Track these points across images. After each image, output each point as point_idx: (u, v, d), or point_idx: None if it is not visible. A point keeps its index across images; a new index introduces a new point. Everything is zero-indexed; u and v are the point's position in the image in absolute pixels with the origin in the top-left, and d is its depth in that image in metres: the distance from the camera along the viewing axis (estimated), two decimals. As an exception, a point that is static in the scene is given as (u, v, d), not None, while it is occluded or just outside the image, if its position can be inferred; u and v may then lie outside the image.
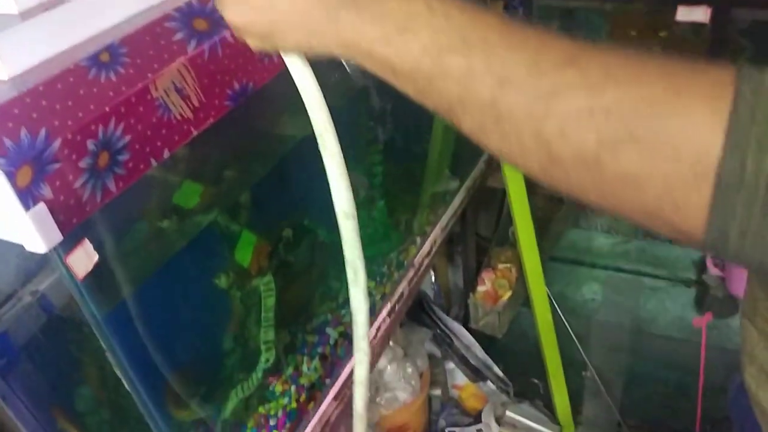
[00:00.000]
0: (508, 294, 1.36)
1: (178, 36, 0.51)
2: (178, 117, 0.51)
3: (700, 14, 0.99)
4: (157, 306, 0.57)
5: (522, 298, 1.43)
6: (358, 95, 0.89)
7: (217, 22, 0.54)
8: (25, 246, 0.42)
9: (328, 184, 0.90)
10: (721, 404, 0.72)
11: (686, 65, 0.32)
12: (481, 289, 1.37)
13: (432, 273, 1.59)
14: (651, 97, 0.31)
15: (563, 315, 1.54)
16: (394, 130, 0.99)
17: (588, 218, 1.86)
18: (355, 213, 0.49)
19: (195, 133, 0.53)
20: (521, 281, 1.39)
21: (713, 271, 1.64)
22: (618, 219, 1.84)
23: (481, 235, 1.62)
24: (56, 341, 0.63)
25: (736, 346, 0.59)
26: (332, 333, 0.85)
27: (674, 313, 1.69)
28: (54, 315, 0.61)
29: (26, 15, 0.46)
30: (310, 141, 0.77)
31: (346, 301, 0.88)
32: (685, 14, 0.98)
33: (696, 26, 1.04)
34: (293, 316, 0.80)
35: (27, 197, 0.40)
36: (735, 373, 0.61)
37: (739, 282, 1.59)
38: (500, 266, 1.40)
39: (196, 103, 0.52)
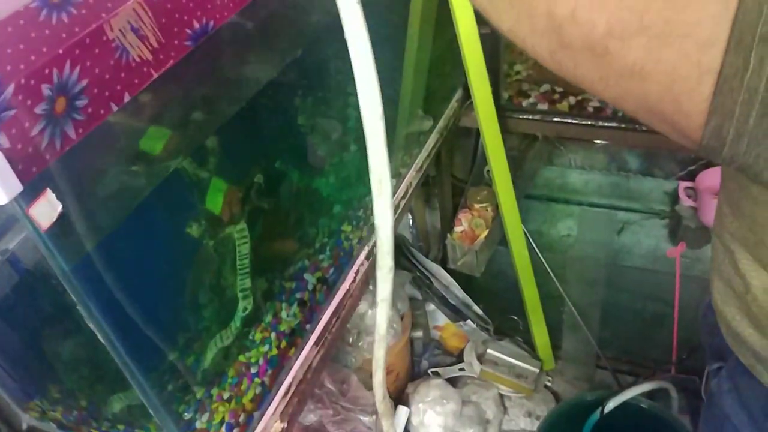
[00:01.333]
0: (485, 233, 1.38)
1: (131, -28, 0.49)
2: (137, 59, 0.49)
3: None
4: (128, 256, 0.56)
5: (499, 236, 1.45)
6: (327, 41, 0.87)
7: (171, -44, 0.52)
8: (-17, 198, 0.41)
9: (299, 126, 0.89)
10: (696, 332, 0.75)
11: None
12: (458, 229, 1.39)
13: (409, 216, 1.60)
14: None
15: (540, 252, 1.57)
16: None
17: (561, 155, 1.88)
18: (383, 115, 0.49)
19: (155, 75, 0.51)
20: (498, 220, 1.41)
21: (686, 202, 1.67)
22: (590, 154, 1.86)
23: (456, 176, 1.62)
24: (29, 300, 0.63)
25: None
26: (310, 279, 0.86)
27: (648, 244, 1.73)
28: (25, 273, 0.61)
29: (-35, -47, 0.44)
30: (277, 83, 0.76)
31: (323, 246, 0.89)
32: None
33: None
34: (270, 263, 0.81)
35: (-18, 147, 0.39)
36: (706, 295, 0.63)
37: (711, 212, 1.63)
38: (476, 206, 1.41)
39: (155, 44, 0.51)
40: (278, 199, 0.83)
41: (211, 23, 0.56)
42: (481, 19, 1.02)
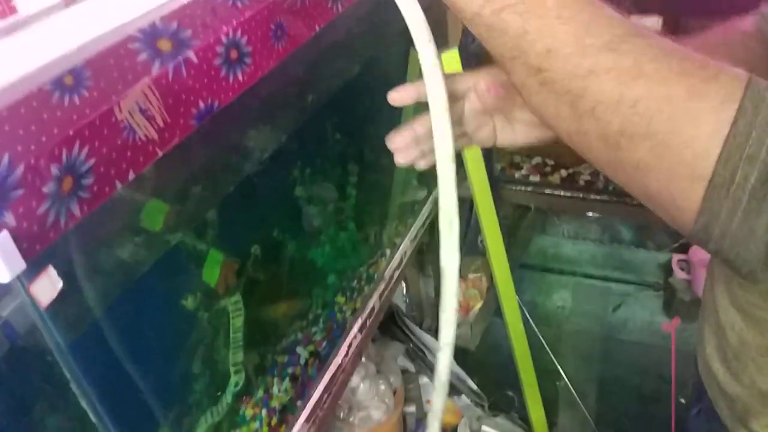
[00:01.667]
0: (480, 304, 1.38)
1: (142, 57, 0.51)
2: (143, 138, 0.51)
3: (653, 22, 1.04)
4: (123, 332, 0.56)
5: (493, 308, 1.45)
6: (328, 107, 0.90)
7: (180, 42, 0.55)
8: (-13, 275, 0.42)
9: (296, 199, 0.90)
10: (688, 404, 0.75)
11: (704, 67, 0.37)
12: (452, 300, 1.39)
13: (403, 284, 1.60)
14: (671, 98, 0.36)
15: (535, 324, 1.57)
16: (362, 142, 1.00)
17: (555, 225, 1.91)
18: (454, 157, 0.51)
19: (160, 153, 0.53)
20: (492, 291, 1.41)
21: (679, 274, 1.69)
22: (583, 225, 1.89)
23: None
24: (19, 369, 0.63)
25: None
26: (302, 352, 0.86)
27: (643, 317, 1.74)
28: (18, 342, 0.61)
29: (-16, 38, 0.46)
30: (277, 157, 0.79)
31: (317, 318, 0.89)
32: (637, 22, 1.02)
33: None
34: (263, 335, 0.81)
35: (-10, 226, 0.40)
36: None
37: (706, 285, 1.64)
38: (471, 276, 1.42)
39: (161, 124, 0.53)
40: (274, 269, 0.83)
41: (216, 103, 0.58)
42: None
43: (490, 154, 1.30)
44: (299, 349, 0.86)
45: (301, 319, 0.87)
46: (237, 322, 0.75)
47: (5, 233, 0.40)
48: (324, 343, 0.90)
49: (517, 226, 1.70)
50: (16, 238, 0.41)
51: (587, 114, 0.39)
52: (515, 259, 1.58)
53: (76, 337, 0.49)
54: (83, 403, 0.51)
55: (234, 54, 0.60)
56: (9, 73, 0.47)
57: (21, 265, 0.42)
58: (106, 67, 0.49)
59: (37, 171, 0.42)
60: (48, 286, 0.45)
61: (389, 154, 1.12)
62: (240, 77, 0.61)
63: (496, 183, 1.34)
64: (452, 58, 1.04)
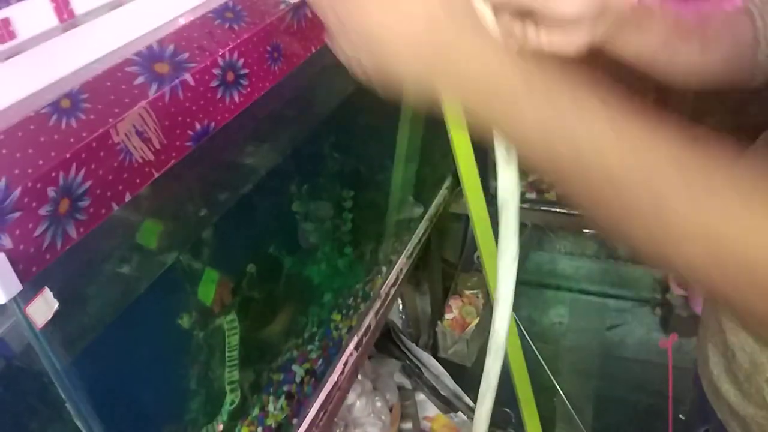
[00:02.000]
0: (476, 321, 1.38)
1: (139, 80, 0.52)
2: (140, 160, 0.52)
3: None
4: (119, 352, 0.57)
5: (490, 324, 1.45)
6: (324, 126, 0.91)
7: (177, 64, 0.55)
8: (-16, 297, 0.42)
9: (292, 217, 0.91)
10: (693, 425, 0.75)
11: None
12: (448, 316, 1.40)
13: (399, 301, 1.61)
14: (746, 234, 0.33)
15: (532, 340, 1.57)
16: (358, 159, 1.01)
17: (551, 241, 1.91)
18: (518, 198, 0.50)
19: (156, 175, 0.54)
20: (489, 307, 1.42)
21: (676, 290, 1.69)
22: (579, 241, 1.90)
23: (447, 260, 1.64)
24: (13, 387, 0.63)
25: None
26: (298, 370, 0.86)
27: (640, 334, 1.74)
28: (12, 361, 0.61)
29: (-16, 62, 0.47)
30: (272, 175, 0.79)
31: (312, 336, 0.90)
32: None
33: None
34: (258, 353, 0.81)
35: (-13, 248, 0.40)
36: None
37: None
38: (467, 292, 1.43)
39: (158, 146, 0.53)
40: (269, 287, 0.84)
41: (212, 125, 0.59)
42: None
43: (486, 171, 1.31)
44: (295, 367, 0.86)
45: (297, 337, 0.87)
46: (233, 340, 0.75)
47: (2, 255, 0.41)
48: (320, 361, 0.90)
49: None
50: (13, 260, 0.42)
51: (662, 243, 0.35)
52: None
53: (72, 356, 0.49)
54: (78, 423, 0.51)
55: (230, 76, 0.61)
56: (7, 97, 0.47)
57: (17, 286, 0.42)
58: (103, 90, 0.50)
59: (34, 193, 0.43)
60: (43, 307, 0.45)
61: (385, 172, 1.13)
62: (236, 99, 0.62)
63: (492, 200, 1.34)
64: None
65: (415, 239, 1.19)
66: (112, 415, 0.54)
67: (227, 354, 0.74)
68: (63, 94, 0.48)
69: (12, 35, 0.51)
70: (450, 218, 1.48)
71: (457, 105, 0.40)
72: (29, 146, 0.44)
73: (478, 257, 1.38)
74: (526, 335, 1.55)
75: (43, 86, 0.50)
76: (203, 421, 0.71)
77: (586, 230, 1.71)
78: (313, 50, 0.73)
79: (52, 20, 0.53)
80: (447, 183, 1.34)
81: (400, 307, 1.62)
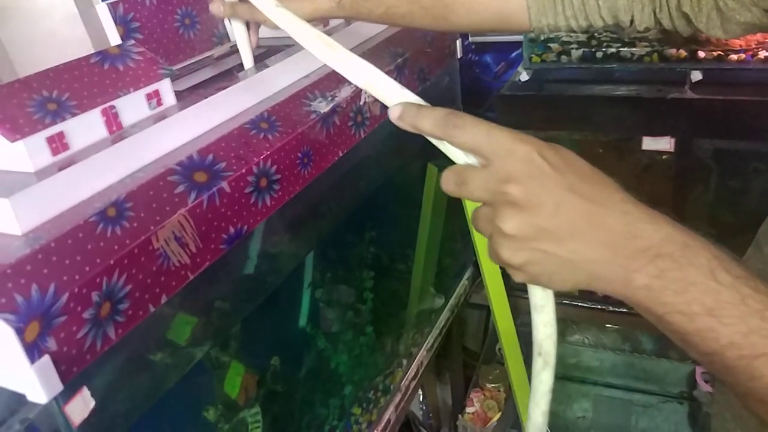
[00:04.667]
0: (498, 416, 1.36)
1: (180, 189, 0.56)
2: (177, 264, 0.55)
3: (665, 144, 1.08)
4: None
5: (512, 419, 1.43)
6: (348, 222, 0.94)
7: (215, 173, 0.60)
8: (26, 396, 0.45)
9: (315, 310, 0.93)
10: None
11: None
12: (469, 410, 1.38)
13: (420, 391, 1.59)
14: None
15: (554, 435, 1.53)
16: (380, 251, 1.04)
17: (574, 333, 1.89)
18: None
19: (191, 277, 0.57)
20: (510, 401, 1.40)
21: (704, 387, 1.65)
22: (603, 334, 1.87)
23: (469, 349, 1.63)
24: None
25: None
26: (318, 464, 0.86)
27: (668, 430, 1.68)
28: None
29: (41, 174, 0.52)
30: (298, 271, 0.82)
31: (333, 430, 0.90)
32: (650, 144, 1.07)
33: (662, 154, 1.13)
34: (279, 447, 0.81)
35: (33, 351, 0.43)
36: None
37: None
38: (488, 386, 1.41)
39: (194, 249, 0.57)
40: (292, 380, 0.85)
41: (245, 228, 0.63)
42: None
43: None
44: (314, 462, 0.86)
45: (318, 430, 0.88)
46: (255, 433, 0.76)
47: (46, 358, 0.44)
48: (339, 456, 0.90)
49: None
50: (56, 361, 0.44)
51: None
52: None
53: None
54: None
55: (263, 182, 0.65)
56: (59, 205, 0.51)
57: (59, 387, 0.45)
58: (146, 199, 0.54)
59: (80, 298, 0.46)
60: (81, 406, 0.48)
61: (407, 263, 1.15)
62: (268, 203, 0.66)
63: (513, 292, 1.35)
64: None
65: (435, 331, 1.20)
66: None
67: (249, 448, 0.75)
68: (110, 203, 0.52)
69: (65, 147, 0.55)
70: (471, 308, 1.49)
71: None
72: (77, 253, 0.48)
73: (500, 349, 1.38)
74: (549, 431, 1.51)
75: (92, 194, 0.54)
76: None
77: (609, 324, 1.69)
78: (340, 154, 0.77)
79: (102, 132, 0.58)
80: (468, 273, 1.36)
81: (421, 397, 1.60)
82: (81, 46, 0.93)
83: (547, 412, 0.51)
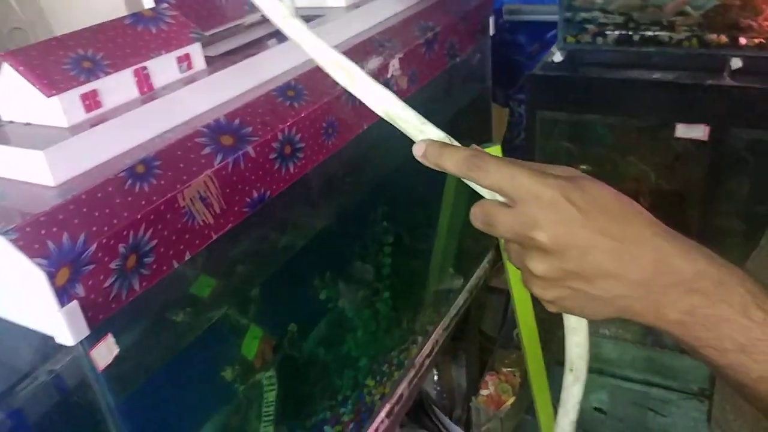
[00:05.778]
0: (512, 400, 1.38)
1: (207, 150, 0.59)
2: (201, 223, 0.58)
3: (699, 132, 1.08)
4: (166, 395, 0.62)
5: (526, 404, 1.45)
6: (370, 194, 0.96)
7: (241, 137, 0.62)
8: (55, 338, 0.48)
9: (334, 281, 0.96)
10: None
11: None
12: (483, 392, 1.40)
13: (435, 372, 1.62)
14: None
15: (569, 424, 1.55)
16: (401, 228, 1.06)
17: (595, 324, 1.90)
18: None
19: (215, 237, 0.60)
20: (525, 387, 1.42)
21: (725, 384, 1.65)
22: (624, 326, 1.88)
23: (486, 333, 1.65)
24: (69, 420, 0.68)
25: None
26: (329, 431, 0.89)
27: (686, 426, 1.69)
28: (67, 395, 0.67)
29: (75, 129, 0.55)
30: (318, 241, 0.85)
31: (346, 400, 0.93)
32: (684, 131, 1.07)
33: (696, 142, 1.12)
34: (293, 411, 0.85)
35: (63, 295, 0.46)
36: None
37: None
38: (504, 370, 1.43)
39: (218, 210, 0.60)
40: (308, 347, 0.88)
41: (268, 193, 0.65)
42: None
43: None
44: (327, 428, 0.89)
45: (331, 399, 0.91)
46: (270, 396, 0.79)
47: (75, 302, 0.47)
48: (351, 425, 0.93)
49: (555, 322, 1.71)
50: (84, 307, 0.48)
51: None
52: (553, 355, 1.58)
53: (123, 396, 0.54)
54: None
55: (288, 149, 0.67)
56: (91, 160, 0.55)
57: (85, 331, 0.48)
58: (174, 158, 0.57)
59: (107, 249, 0.49)
60: (106, 351, 0.51)
61: (427, 242, 1.17)
62: (291, 170, 0.68)
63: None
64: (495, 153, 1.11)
65: (453, 311, 1.22)
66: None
67: (264, 409, 0.78)
68: (139, 160, 0.55)
69: (98, 104, 0.58)
70: (490, 292, 1.50)
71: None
72: (106, 206, 0.51)
73: (517, 334, 1.39)
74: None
75: (123, 151, 0.57)
76: (234, 473, 0.75)
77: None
78: (365, 126, 0.79)
79: (133, 92, 0.61)
80: (488, 257, 1.38)
81: (435, 377, 1.63)
82: (115, 13, 0.96)
83: (575, 422, 0.53)
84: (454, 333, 1.42)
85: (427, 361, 1.13)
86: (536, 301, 1.26)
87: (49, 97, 0.54)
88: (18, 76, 0.55)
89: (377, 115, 0.80)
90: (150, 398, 0.58)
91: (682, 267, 0.38)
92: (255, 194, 0.64)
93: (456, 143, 0.45)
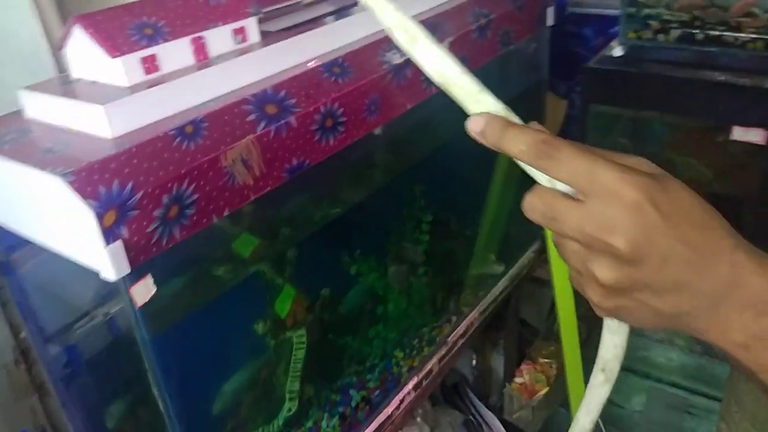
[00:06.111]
0: (545, 390, 1.40)
1: (251, 117, 0.64)
2: (240, 183, 0.63)
3: (756, 136, 1.06)
4: (199, 338, 0.68)
5: (560, 397, 1.46)
6: (416, 171, 1.00)
7: (285, 108, 0.67)
8: (99, 273, 0.54)
9: (371, 251, 1.00)
10: None
11: None
12: (518, 380, 1.42)
13: (474, 357, 1.65)
14: None
15: (604, 424, 1.55)
16: (445, 207, 1.09)
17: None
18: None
19: (253, 197, 0.65)
20: (561, 379, 1.43)
21: (774, 400, 1.61)
22: (677, 332, 1.85)
23: (531, 325, 1.67)
24: (116, 360, 0.76)
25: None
26: (355, 395, 0.94)
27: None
28: (118, 337, 0.74)
29: (134, 89, 0.61)
30: (357, 210, 0.89)
31: (373, 367, 0.98)
32: (740, 134, 1.05)
33: (754, 146, 1.10)
34: (320, 372, 0.90)
35: (109, 235, 0.52)
36: None
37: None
38: (541, 360, 1.45)
39: (257, 173, 0.65)
40: (340, 312, 0.93)
41: (308, 161, 0.70)
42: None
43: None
44: (352, 392, 0.94)
45: (358, 364, 0.96)
46: (299, 354, 0.84)
47: (119, 242, 0.53)
48: (377, 392, 0.97)
49: (599, 320, 1.70)
50: (126, 247, 0.54)
51: None
52: (592, 352, 1.58)
53: (158, 333, 0.60)
54: (154, 390, 0.62)
55: (329, 122, 0.72)
56: (145, 117, 0.61)
57: (126, 269, 0.54)
58: (220, 122, 0.62)
59: (152, 198, 0.55)
60: (144, 290, 0.57)
61: (470, 224, 1.20)
62: (331, 142, 0.73)
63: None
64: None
65: (491, 296, 1.24)
66: (182, 391, 0.64)
67: (292, 365, 0.84)
68: (188, 121, 0.60)
69: (156, 68, 0.64)
70: (535, 282, 1.51)
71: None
72: (154, 160, 0.56)
73: (558, 327, 1.40)
74: (600, 422, 1.53)
75: (175, 113, 0.63)
76: (261, 420, 0.81)
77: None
78: (408, 107, 0.83)
79: (189, 59, 0.67)
80: (534, 246, 1.39)
81: (474, 363, 1.66)
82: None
83: (595, 421, 0.52)
84: (494, 322, 1.44)
85: (461, 342, 1.16)
86: (580, 299, 1.26)
87: (112, 58, 0.60)
88: (87, 37, 0.61)
89: (422, 96, 0.83)
90: (183, 340, 0.64)
91: (757, 286, 0.35)
92: (294, 161, 0.69)
93: (516, 117, 0.40)
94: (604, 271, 0.36)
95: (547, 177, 0.38)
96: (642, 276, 0.35)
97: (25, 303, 0.78)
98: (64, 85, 0.65)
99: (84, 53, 0.62)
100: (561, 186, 0.37)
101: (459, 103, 0.42)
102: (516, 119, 0.40)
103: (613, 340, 0.45)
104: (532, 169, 0.39)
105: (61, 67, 0.93)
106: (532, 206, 0.38)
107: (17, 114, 0.67)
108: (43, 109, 0.64)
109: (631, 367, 1.86)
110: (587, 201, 0.35)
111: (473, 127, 0.40)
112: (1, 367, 1.04)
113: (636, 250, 0.34)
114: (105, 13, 0.62)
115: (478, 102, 0.41)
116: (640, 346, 1.89)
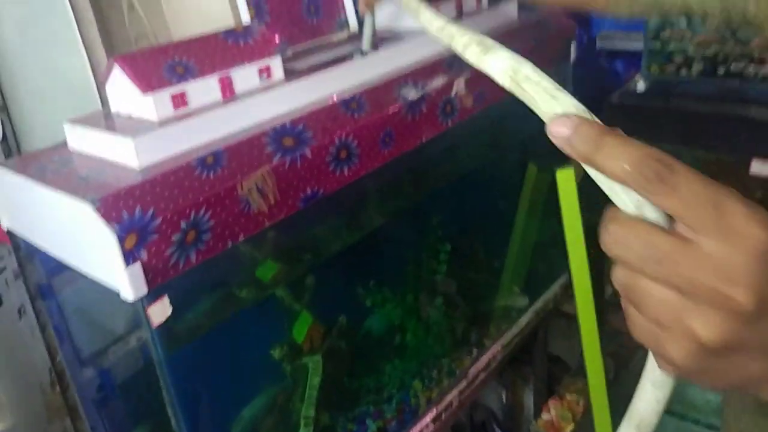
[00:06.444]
0: (570, 427, 1.39)
1: (269, 149, 0.68)
2: (255, 211, 0.67)
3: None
4: (214, 360, 0.72)
5: (587, 434, 1.44)
6: (437, 200, 1.03)
7: (301, 140, 0.71)
8: (120, 293, 0.59)
9: (389, 281, 1.03)
10: None
11: None
12: (545, 416, 1.41)
13: (504, 393, 1.64)
14: None
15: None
16: (468, 237, 1.11)
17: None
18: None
19: (267, 224, 0.69)
20: (588, 417, 1.41)
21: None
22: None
23: (560, 358, 1.66)
24: (146, 384, 0.80)
25: None
26: (371, 425, 0.96)
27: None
28: (149, 362, 0.78)
29: (162, 123, 0.66)
30: (370, 240, 0.92)
31: (390, 398, 0.99)
32: (758, 168, 1.05)
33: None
34: (336, 399, 0.92)
35: (129, 257, 0.57)
36: None
37: None
38: (568, 396, 1.44)
39: (272, 202, 0.69)
40: (356, 341, 0.96)
41: (321, 191, 0.74)
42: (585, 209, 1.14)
43: (601, 275, 1.34)
44: (368, 421, 0.96)
45: (376, 394, 0.98)
46: (314, 380, 0.87)
47: (138, 264, 0.57)
48: (393, 423, 0.99)
49: (631, 356, 1.68)
50: (145, 269, 0.58)
51: None
52: (626, 388, 1.56)
53: (173, 352, 0.64)
54: (168, 408, 0.66)
55: (343, 154, 0.75)
56: (173, 148, 0.65)
57: (144, 290, 0.58)
58: (239, 153, 0.67)
59: (171, 223, 0.59)
60: (161, 310, 0.61)
61: (494, 257, 1.21)
62: (345, 173, 0.76)
63: (605, 307, 1.37)
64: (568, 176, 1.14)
65: (515, 329, 1.25)
66: (195, 411, 0.68)
67: (308, 391, 0.87)
68: (209, 153, 0.65)
69: (185, 103, 0.69)
70: (568, 317, 1.51)
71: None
72: (175, 188, 0.61)
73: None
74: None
75: (199, 145, 0.67)
76: (274, 444, 0.84)
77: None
78: (423, 140, 0.86)
79: (216, 96, 0.72)
80: (562, 280, 1.40)
81: (503, 398, 1.65)
82: (223, 21, 1.09)
83: None
84: (523, 355, 1.44)
85: (483, 375, 1.16)
86: (605, 335, 1.25)
87: (144, 94, 0.66)
88: (124, 75, 0.67)
89: (438, 129, 0.86)
90: (198, 360, 0.68)
91: None
92: (309, 191, 0.72)
93: (598, 121, 0.32)
94: (710, 327, 0.29)
95: (636, 200, 0.30)
96: (758, 336, 0.29)
97: (63, 326, 0.83)
98: (103, 118, 0.71)
99: (121, 89, 0.68)
100: (650, 213, 0.30)
101: (529, 103, 0.36)
102: (597, 122, 0.32)
103: (656, 393, 0.38)
104: (614, 188, 0.31)
105: (104, 100, 1.00)
106: (619, 240, 0.30)
107: (63, 144, 0.73)
108: (83, 140, 0.70)
109: (684, 413, 1.82)
110: (701, 241, 0.28)
111: (558, 130, 0.32)
112: (38, 388, 1.10)
113: (761, 307, 0.28)
114: (142, 53, 0.67)
115: (553, 98, 0.33)
116: (678, 384, 1.85)
